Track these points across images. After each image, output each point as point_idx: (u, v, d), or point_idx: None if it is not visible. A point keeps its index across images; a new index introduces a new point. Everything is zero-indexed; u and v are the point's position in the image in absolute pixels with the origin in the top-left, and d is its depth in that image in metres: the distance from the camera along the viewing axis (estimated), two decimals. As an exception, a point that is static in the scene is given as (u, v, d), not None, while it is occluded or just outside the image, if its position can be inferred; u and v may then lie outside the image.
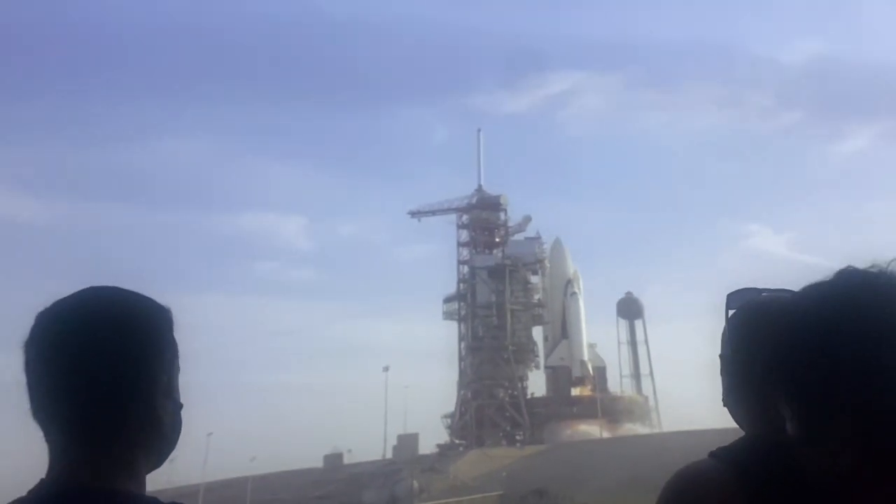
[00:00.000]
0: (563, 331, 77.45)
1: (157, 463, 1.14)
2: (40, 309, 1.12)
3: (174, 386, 1.15)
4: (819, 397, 0.94)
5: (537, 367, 79.81)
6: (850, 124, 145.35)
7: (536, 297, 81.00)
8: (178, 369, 1.16)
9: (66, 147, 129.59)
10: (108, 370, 1.06)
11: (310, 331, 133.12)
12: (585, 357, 76.17)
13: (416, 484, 56.88)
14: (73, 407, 1.05)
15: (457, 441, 74.84)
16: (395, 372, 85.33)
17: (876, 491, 0.91)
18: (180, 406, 1.16)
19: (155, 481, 1.08)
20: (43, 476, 1.06)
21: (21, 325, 1.13)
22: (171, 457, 1.17)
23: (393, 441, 75.18)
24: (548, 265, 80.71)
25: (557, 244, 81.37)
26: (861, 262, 0.97)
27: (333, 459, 74.58)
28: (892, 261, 0.98)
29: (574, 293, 78.40)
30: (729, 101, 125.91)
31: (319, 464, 75.02)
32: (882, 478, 0.90)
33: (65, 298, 1.12)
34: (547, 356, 78.45)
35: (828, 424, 0.93)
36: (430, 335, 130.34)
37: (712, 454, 1.13)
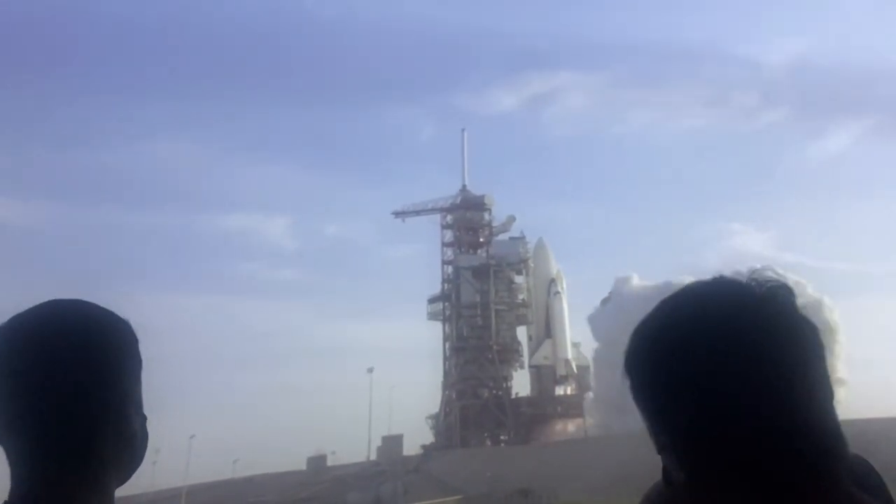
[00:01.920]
0: (547, 330, 77.63)
1: (126, 478, 1.10)
2: None
3: (140, 399, 1.11)
4: (655, 414, 0.89)
5: (522, 366, 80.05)
6: (833, 123, 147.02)
7: (521, 296, 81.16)
8: (140, 383, 1.11)
9: (49, 148, 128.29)
10: (80, 388, 1.01)
11: (293, 331, 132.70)
12: (570, 356, 76.39)
13: (400, 485, 56.79)
14: (43, 430, 0.99)
15: (441, 442, 74.79)
16: (379, 373, 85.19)
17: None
18: (145, 419, 1.12)
19: (136, 485, 1.07)
20: (6, 499, 1.00)
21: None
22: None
23: (377, 442, 75.18)
24: (532, 265, 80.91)
25: (541, 244, 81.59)
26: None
27: (317, 461, 74.32)
28: (756, 270, 0.90)
29: (558, 293, 78.59)
30: (713, 101, 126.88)
31: (303, 466, 74.76)
32: (703, 492, 0.85)
33: (24, 313, 1.05)
34: (531, 356, 78.62)
35: (664, 439, 0.89)
36: (414, 336, 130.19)
37: None
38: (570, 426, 71.42)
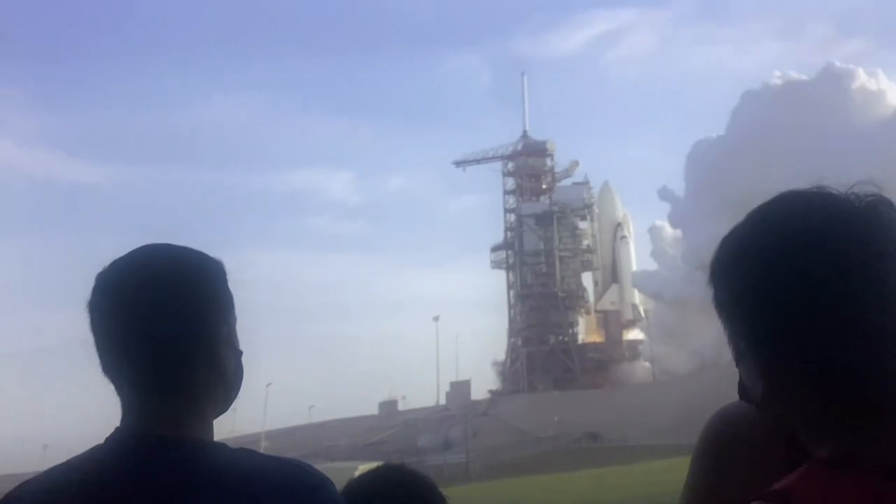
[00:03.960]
0: (614, 275, 77.08)
1: (223, 409, 1.20)
2: (99, 270, 1.15)
3: (234, 334, 1.19)
4: (736, 323, 0.86)
5: (588, 312, 79.92)
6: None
7: (585, 242, 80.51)
8: (235, 318, 1.20)
9: (117, 109, 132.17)
10: (173, 324, 1.11)
11: (361, 282, 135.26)
12: (637, 300, 75.87)
13: (470, 428, 58.08)
14: (142, 362, 1.10)
15: (508, 387, 75.83)
16: (445, 321, 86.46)
17: (769, 422, 0.87)
18: (240, 353, 1.21)
19: (218, 431, 1.16)
20: (118, 425, 1.12)
21: (76, 279, 1.18)
22: (233, 406, 1.24)
23: (445, 388, 76.71)
24: (596, 210, 79.94)
25: (606, 188, 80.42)
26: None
27: (388, 406, 76.44)
28: (856, 184, 0.85)
29: (624, 237, 77.69)
30: (786, 33, 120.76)
31: (375, 411, 77.04)
32: (775, 410, 0.84)
33: (122, 258, 1.16)
34: (597, 301, 78.36)
35: (743, 348, 0.86)
36: (478, 284, 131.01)
37: None
38: (637, 370, 71.31)
